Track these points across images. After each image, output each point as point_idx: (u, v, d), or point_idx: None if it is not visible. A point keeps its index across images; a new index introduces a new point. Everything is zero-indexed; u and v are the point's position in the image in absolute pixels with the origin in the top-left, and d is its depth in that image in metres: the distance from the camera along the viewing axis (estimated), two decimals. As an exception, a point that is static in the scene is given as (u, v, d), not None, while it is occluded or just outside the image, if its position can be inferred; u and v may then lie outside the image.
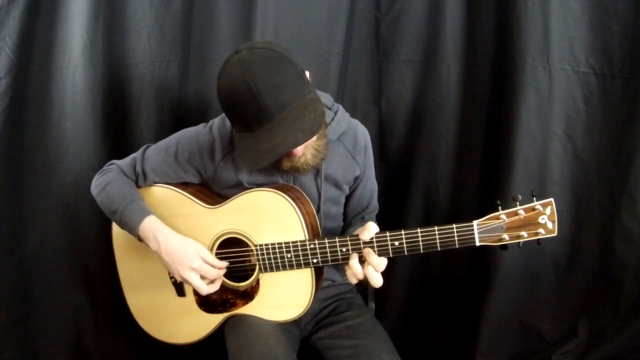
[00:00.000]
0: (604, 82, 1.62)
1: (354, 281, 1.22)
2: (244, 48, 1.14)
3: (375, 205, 1.54)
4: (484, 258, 1.83)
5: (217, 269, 1.30)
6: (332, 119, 1.37)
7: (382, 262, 1.18)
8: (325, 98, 1.39)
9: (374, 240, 1.20)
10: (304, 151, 1.23)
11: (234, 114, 1.16)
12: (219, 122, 1.39)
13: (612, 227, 1.69)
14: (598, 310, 1.80)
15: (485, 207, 1.18)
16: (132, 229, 1.30)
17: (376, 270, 1.18)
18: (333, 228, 1.46)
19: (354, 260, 1.20)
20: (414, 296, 2.02)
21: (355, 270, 1.19)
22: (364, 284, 1.64)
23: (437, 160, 1.87)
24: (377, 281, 1.18)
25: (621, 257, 1.70)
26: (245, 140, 1.16)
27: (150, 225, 1.29)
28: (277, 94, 1.10)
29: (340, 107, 1.41)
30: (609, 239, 1.71)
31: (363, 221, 1.47)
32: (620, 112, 1.62)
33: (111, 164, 1.44)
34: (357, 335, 1.35)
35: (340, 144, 1.40)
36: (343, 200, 1.47)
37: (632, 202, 1.64)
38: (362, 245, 1.20)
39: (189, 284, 1.29)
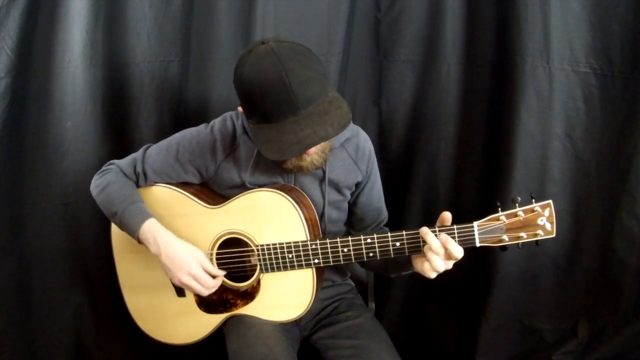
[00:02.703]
0: (604, 82, 1.62)
1: (432, 275, 1.17)
2: (271, 40, 1.15)
3: (386, 214, 1.54)
4: (484, 258, 1.83)
5: (214, 277, 1.30)
6: None
7: (461, 250, 1.14)
8: None
9: (376, 240, 1.21)
10: (315, 151, 1.24)
11: (258, 103, 1.14)
12: (220, 122, 1.39)
13: (612, 227, 1.70)
14: (598, 310, 1.80)
15: (485, 207, 1.18)
16: (132, 231, 1.30)
17: (454, 259, 1.15)
18: (334, 232, 1.46)
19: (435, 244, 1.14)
20: (414, 296, 2.02)
21: (438, 250, 1.14)
22: (364, 283, 1.65)
23: (437, 160, 1.87)
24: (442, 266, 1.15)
25: (621, 257, 1.70)
26: (265, 132, 1.15)
27: (150, 229, 1.29)
28: (306, 88, 1.11)
29: None
30: (609, 239, 1.71)
31: (384, 230, 1.49)
32: (620, 112, 1.63)
33: (111, 164, 1.44)
34: (357, 335, 1.35)
35: (343, 149, 1.40)
36: (345, 206, 1.46)
37: (632, 202, 1.65)
38: (437, 233, 1.16)
39: (189, 288, 1.29)
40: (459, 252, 1.14)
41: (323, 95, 1.15)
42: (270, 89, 1.10)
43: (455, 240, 1.15)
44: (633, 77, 1.58)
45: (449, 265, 1.17)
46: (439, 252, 1.14)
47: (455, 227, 1.16)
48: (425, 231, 1.16)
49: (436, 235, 1.15)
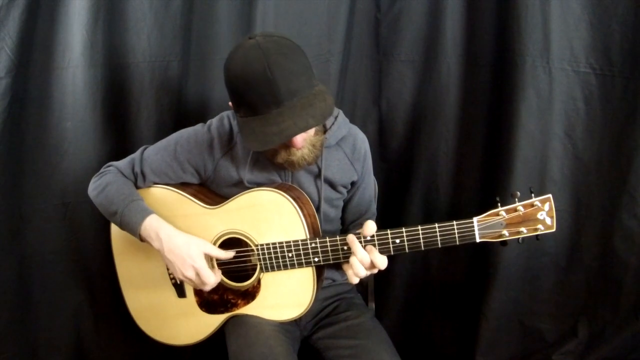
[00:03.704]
0: (604, 82, 1.62)
1: (355, 280, 1.21)
2: (259, 35, 1.17)
3: (373, 211, 1.54)
4: (484, 258, 1.83)
5: (218, 271, 1.31)
6: (333, 123, 1.37)
7: (384, 260, 1.19)
8: None
9: (375, 237, 1.21)
10: (303, 144, 1.24)
11: (243, 96, 1.16)
12: (217, 122, 1.40)
13: (612, 227, 1.70)
14: (598, 310, 1.80)
15: (485, 208, 1.18)
16: (133, 229, 1.30)
17: (378, 268, 1.19)
18: (331, 231, 1.46)
19: (359, 251, 1.19)
20: (414, 296, 2.02)
21: (362, 259, 1.18)
22: (364, 283, 1.65)
23: (437, 160, 1.87)
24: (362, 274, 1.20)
25: (621, 257, 1.70)
26: (250, 124, 1.17)
27: (152, 225, 1.29)
28: (290, 80, 1.13)
29: (341, 112, 1.42)
30: (609, 239, 1.71)
31: (360, 227, 1.48)
32: (620, 112, 1.63)
33: (109, 166, 1.44)
34: (356, 335, 1.35)
35: (339, 148, 1.41)
36: (341, 204, 1.47)
37: (632, 202, 1.65)
38: (363, 243, 1.20)
39: (192, 283, 1.29)
40: (382, 263, 1.18)
41: (308, 88, 1.16)
42: (254, 81, 1.12)
43: (456, 237, 1.16)
44: (633, 77, 1.58)
45: (373, 271, 1.21)
46: (365, 260, 1.18)
47: (454, 222, 1.16)
48: (351, 239, 1.20)
49: (363, 245, 1.19)
